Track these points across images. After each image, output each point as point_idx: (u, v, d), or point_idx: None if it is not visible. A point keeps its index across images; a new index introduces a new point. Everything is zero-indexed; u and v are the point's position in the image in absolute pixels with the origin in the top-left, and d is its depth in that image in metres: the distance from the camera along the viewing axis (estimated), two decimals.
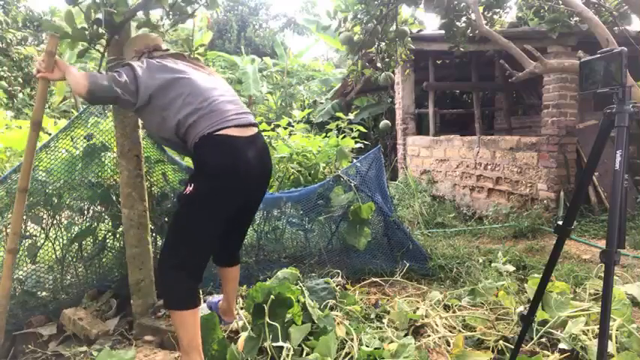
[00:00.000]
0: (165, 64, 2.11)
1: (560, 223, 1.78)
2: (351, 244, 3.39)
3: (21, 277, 2.71)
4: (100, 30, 2.36)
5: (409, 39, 4.99)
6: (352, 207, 3.33)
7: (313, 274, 3.20)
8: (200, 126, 2.00)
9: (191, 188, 2.00)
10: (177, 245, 2.04)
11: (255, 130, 2.16)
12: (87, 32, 2.37)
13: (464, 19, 4.62)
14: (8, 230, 2.83)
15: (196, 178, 2.05)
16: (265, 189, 2.35)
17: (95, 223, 2.98)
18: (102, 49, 2.43)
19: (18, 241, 2.31)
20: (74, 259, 2.97)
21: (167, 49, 2.32)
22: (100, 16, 2.31)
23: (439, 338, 2.36)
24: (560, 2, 4.38)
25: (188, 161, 2.97)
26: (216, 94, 2.10)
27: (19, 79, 12.19)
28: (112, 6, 2.30)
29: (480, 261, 3.63)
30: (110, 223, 3.00)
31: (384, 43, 4.89)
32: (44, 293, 2.81)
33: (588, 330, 2.30)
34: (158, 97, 2.03)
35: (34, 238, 2.80)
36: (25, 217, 2.84)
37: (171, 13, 2.52)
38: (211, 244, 2.12)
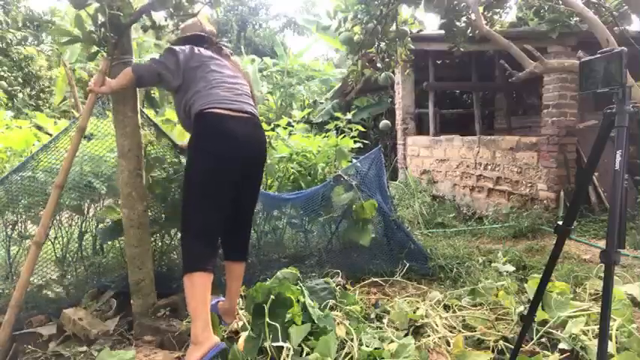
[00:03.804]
0: (201, 52, 2.38)
1: (560, 223, 1.78)
2: (355, 241, 3.35)
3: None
4: (107, 33, 2.38)
5: (409, 39, 4.99)
6: (354, 206, 3.31)
7: (313, 274, 3.20)
8: (197, 104, 2.26)
9: (187, 162, 2.29)
10: (187, 215, 2.25)
11: (248, 116, 2.33)
12: (95, 35, 2.39)
13: (464, 19, 4.61)
14: (9, 230, 2.85)
15: (190, 151, 2.30)
16: (262, 167, 2.50)
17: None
18: (108, 51, 2.44)
19: (46, 234, 2.40)
20: (74, 259, 2.97)
21: (213, 37, 2.58)
22: (104, 19, 2.32)
23: (439, 338, 2.36)
24: (560, 2, 4.38)
25: None
26: (221, 82, 2.32)
27: (19, 79, 12.19)
28: (117, 9, 2.31)
29: (480, 261, 3.63)
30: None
31: (384, 43, 4.89)
32: (46, 293, 2.81)
33: (588, 330, 2.30)
34: (186, 79, 2.32)
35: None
36: (25, 217, 2.85)
37: (175, 15, 2.53)
38: (217, 212, 2.24)
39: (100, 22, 2.37)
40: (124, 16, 2.33)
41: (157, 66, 2.28)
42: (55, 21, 11.97)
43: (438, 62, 8.44)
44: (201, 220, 2.21)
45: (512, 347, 2.09)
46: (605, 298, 1.44)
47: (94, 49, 2.49)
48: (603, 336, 1.43)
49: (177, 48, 2.34)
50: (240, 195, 2.38)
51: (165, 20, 2.62)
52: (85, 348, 2.33)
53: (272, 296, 2.21)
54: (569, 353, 2.21)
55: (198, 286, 2.11)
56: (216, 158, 2.20)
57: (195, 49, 2.39)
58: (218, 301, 2.61)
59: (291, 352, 2.06)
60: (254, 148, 2.35)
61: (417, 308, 2.70)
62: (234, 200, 2.36)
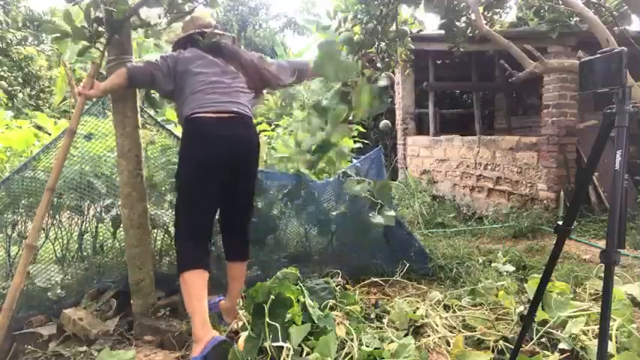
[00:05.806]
0: (186, 55, 2.39)
1: (560, 223, 1.78)
2: (373, 225, 3.30)
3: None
4: (100, 29, 2.37)
5: (409, 39, 4.98)
6: (376, 185, 3.30)
7: (313, 274, 3.19)
8: (184, 110, 2.33)
9: (177, 166, 2.37)
10: (178, 216, 2.37)
11: (234, 115, 2.33)
12: (87, 31, 2.37)
13: (464, 19, 4.61)
14: (9, 231, 2.85)
15: (178, 155, 2.38)
16: (251, 164, 2.47)
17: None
18: (102, 48, 2.43)
19: (38, 237, 2.41)
20: (74, 259, 2.97)
21: (211, 30, 2.51)
22: (100, 14, 2.32)
23: (439, 338, 2.36)
24: (560, 2, 4.38)
25: None
26: (205, 84, 2.33)
27: (19, 79, 12.18)
28: (111, 4, 2.30)
29: (480, 261, 3.63)
30: None
31: (384, 43, 4.88)
32: (47, 293, 2.80)
33: (588, 330, 2.30)
34: (177, 85, 2.36)
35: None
36: (25, 218, 2.85)
37: (169, 13, 2.51)
38: (206, 214, 2.34)
39: (92, 18, 2.36)
40: (117, 12, 2.31)
41: (150, 66, 2.32)
42: (55, 21, 11.96)
43: (438, 62, 8.44)
44: (191, 222, 2.29)
45: (512, 347, 2.09)
46: (605, 298, 1.44)
47: (84, 44, 2.45)
48: (603, 336, 1.43)
49: (166, 54, 2.42)
50: (235, 194, 2.40)
51: (159, 18, 2.60)
52: (85, 348, 2.33)
53: (272, 296, 2.21)
54: (569, 353, 2.21)
55: (191, 285, 2.17)
56: (201, 162, 2.25)
57: (182, 53, 2.41)
58: (219, 300, 2.62)
59: (291, 352, 2.05)
60: (241, 146, 2.36)
61: (417, 308, 2.70)
62: (229, 200, 2.38)
